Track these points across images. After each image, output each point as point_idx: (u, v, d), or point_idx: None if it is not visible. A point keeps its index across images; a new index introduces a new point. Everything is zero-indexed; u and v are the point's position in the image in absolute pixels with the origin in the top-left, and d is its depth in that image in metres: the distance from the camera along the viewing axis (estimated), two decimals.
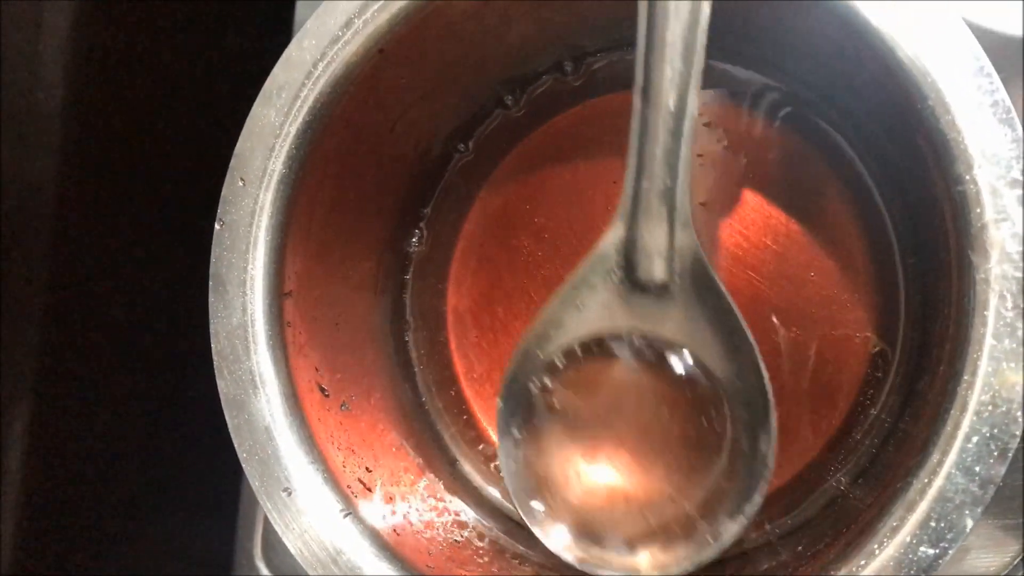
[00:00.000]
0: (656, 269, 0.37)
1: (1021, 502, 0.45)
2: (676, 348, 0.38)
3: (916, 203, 0.41)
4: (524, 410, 0.40)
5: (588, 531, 0.39)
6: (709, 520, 0.38)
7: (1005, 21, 0.45)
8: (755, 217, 0.46)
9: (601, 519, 0.39)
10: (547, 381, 0.39)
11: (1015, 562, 0.45)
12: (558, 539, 0.39)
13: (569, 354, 0.39)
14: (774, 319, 0.46)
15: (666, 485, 0.39)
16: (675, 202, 0.36)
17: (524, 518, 0.39)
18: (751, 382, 0.37)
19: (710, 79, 0.47)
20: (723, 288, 0.37)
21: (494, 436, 0.49)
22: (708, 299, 0.38)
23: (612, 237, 0.37)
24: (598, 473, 0.40)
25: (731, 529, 0.37)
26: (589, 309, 0.39)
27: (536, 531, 0.39)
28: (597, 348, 0.39)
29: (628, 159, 0.36)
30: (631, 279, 0.38)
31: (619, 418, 0.40)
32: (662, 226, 0.36)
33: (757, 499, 0.37)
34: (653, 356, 0.39)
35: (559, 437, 0.40)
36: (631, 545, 0.38)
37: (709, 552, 0.37)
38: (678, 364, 0.39)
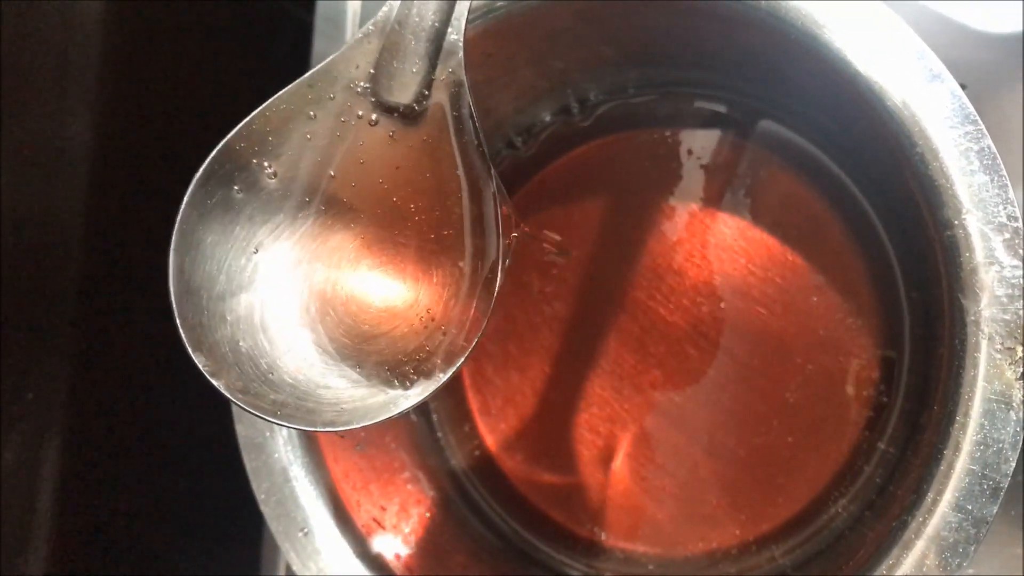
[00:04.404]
0: (406, 94, 0.33)
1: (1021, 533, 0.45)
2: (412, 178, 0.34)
3: (915, 242, 0.42)
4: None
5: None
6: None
7: (1003, 21, 0.46)
8: (761, 253, 0.47)
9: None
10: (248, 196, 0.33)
11: None
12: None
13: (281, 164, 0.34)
14: (781, 350, 0.46)
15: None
16: (443, 43, 0.33)
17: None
18: (488, 223, 0.33)
19: (714, 119, 0.48)
20: (479, 131, 0.33)
21: (508, 471, 0.50)
22: (462, 134, 0.34)
23: (365, 47, 0.33)
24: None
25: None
26: (321, 119, 0.34)
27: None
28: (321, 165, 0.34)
29: None
30: (376, 95, 0.34)
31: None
32: (422, 61, 0.33)
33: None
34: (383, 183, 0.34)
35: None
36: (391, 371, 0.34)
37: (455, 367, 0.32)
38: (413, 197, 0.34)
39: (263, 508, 0.39)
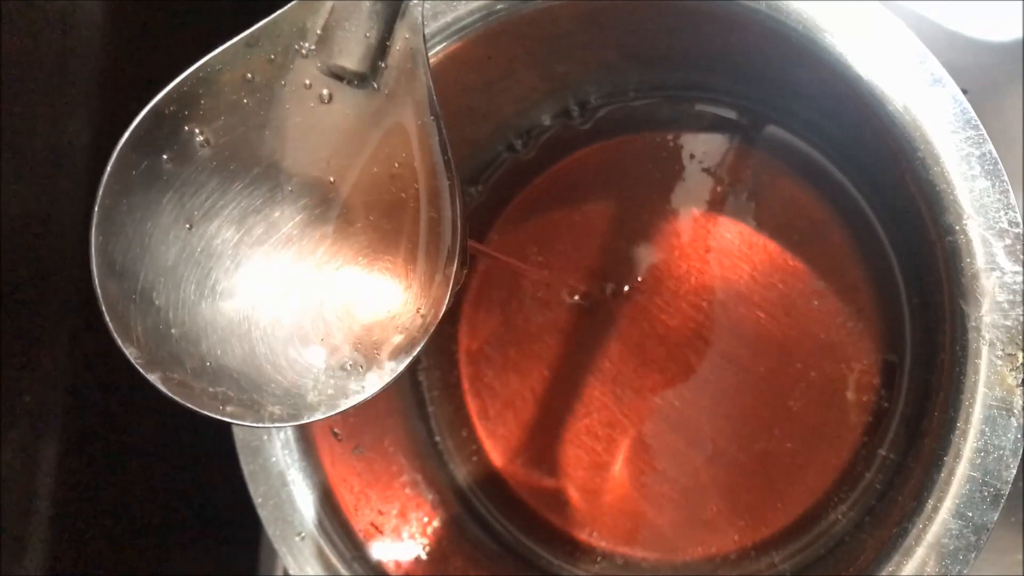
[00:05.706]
0: (357, 60, 0.30)
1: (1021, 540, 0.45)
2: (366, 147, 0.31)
3: (916, 247, 0.42)
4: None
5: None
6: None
7: (1003, 29, 0.46)
8: (763, 257, 0.47)
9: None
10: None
11: None
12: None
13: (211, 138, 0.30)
14: (781, 355, 0.46)
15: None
16: (400, 7, 0.30)
17: None
18: (443, 206, 0.30)
19: (715, 123, 0.48)
20: (435, 105, 0.31)
21: (507, 476, 0.50)
22: (418, 109, 0.31)
23: (314, 5, 0.30)
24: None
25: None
26: (260, 84, 0.30)
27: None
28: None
29: None
30: (323, 60, 0.30)
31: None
32: (377, 24, 0.30)
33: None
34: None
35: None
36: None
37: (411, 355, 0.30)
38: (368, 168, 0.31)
39: (260, 512, 0.39)
